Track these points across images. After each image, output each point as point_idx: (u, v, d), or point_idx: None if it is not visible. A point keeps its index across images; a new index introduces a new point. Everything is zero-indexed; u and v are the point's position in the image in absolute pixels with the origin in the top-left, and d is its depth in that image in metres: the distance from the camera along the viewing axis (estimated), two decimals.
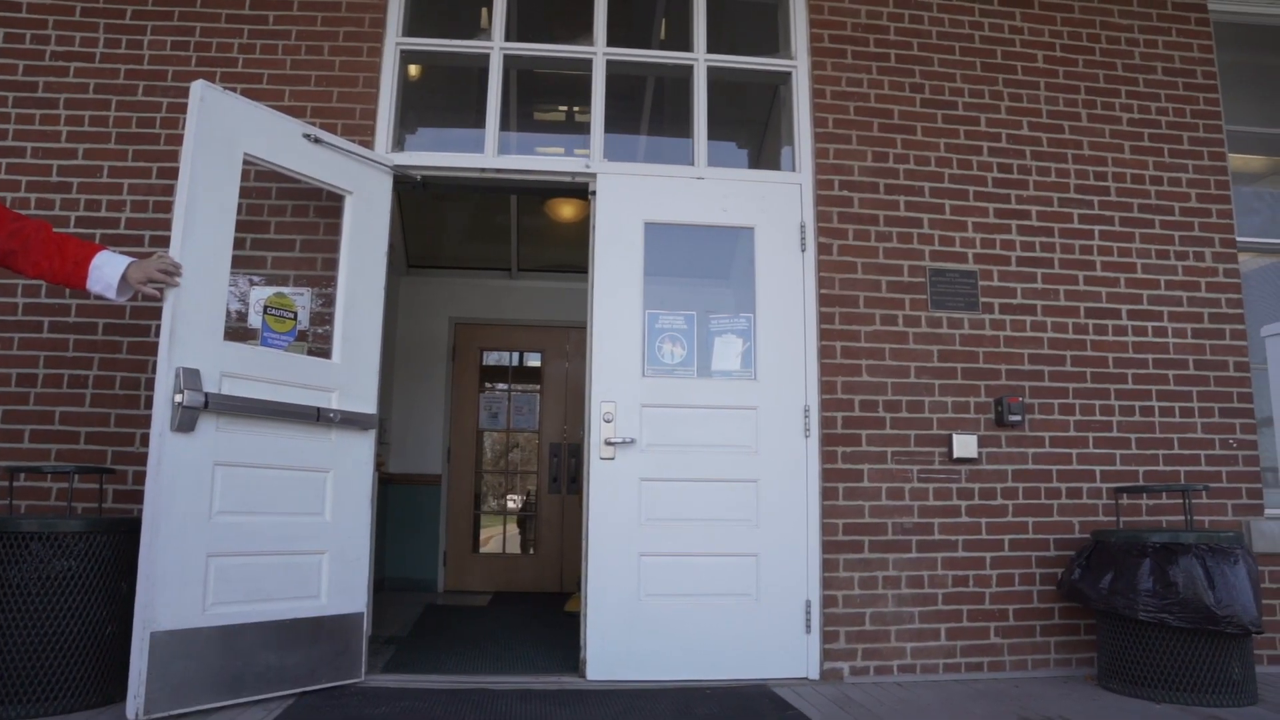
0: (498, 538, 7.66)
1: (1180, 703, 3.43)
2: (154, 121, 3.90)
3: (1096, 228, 4.30)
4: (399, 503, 7.04)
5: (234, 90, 3.49)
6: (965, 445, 3.99)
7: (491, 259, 7.48)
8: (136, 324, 3.73)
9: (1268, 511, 4.21)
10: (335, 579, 3.47)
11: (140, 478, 3.51)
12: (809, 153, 4.20)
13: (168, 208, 3.78)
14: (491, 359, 7.69)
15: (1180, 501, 4.09)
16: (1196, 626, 3.37)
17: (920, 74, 4.30)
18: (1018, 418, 4.01)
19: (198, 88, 3.15)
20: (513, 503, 8.76)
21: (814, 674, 3.79)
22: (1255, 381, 4.31)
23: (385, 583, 6.87)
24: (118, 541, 3.09)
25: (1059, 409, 4.12)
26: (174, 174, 3.75)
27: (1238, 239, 4.43)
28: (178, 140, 3.77)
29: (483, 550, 7.43)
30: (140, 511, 2.98)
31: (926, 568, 3.91)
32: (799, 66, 4.31)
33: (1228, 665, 3.43)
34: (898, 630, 3.85)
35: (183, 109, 3.75)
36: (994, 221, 4.22)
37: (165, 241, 3.68)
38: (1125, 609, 3.47)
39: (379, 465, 4.40)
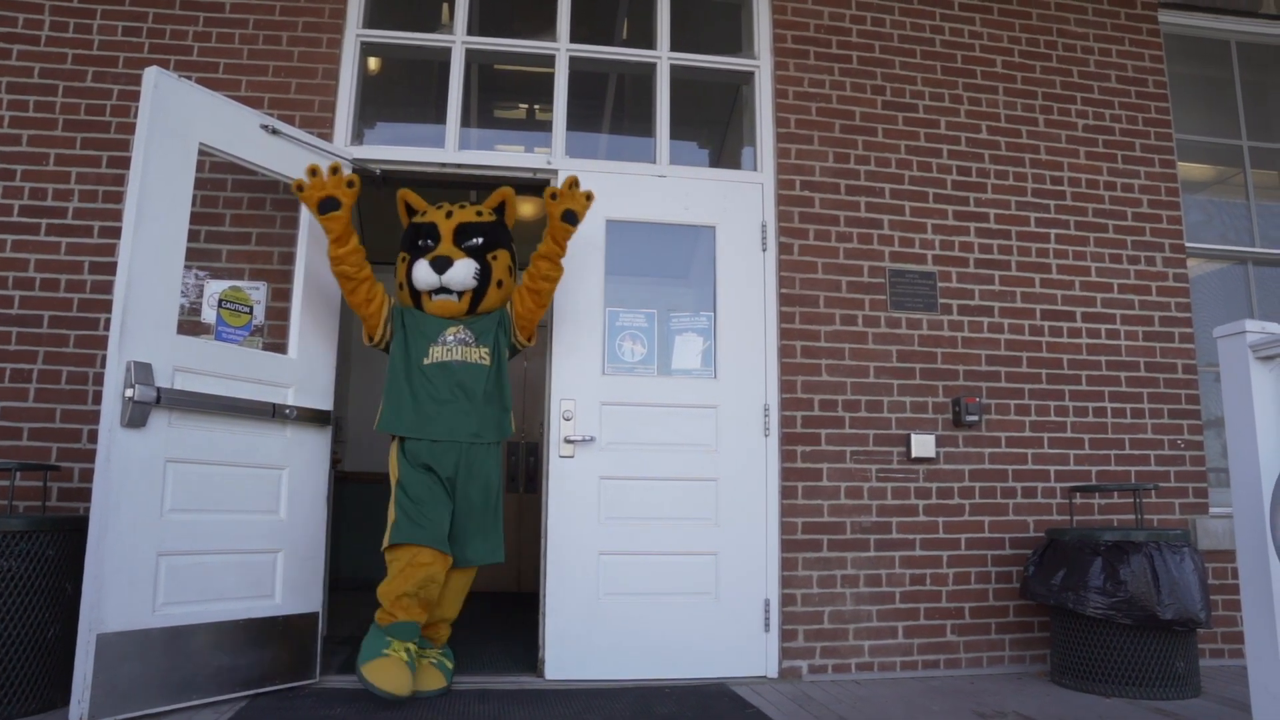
0: None
1: (1129, 696, 3.50)
2: (104, 109, 3.79)
3: (1053, 231, 4.37)
4: (355, 501, 6.94)
5: (189, 79, 3.41)
6: (923, 445, 4.03)
7: None
8: (84, 316, 3.63)
9: (1213, 510, 4.31)
10: (290, 578, 3.41)
11: (87, 475, 3.42)
12: (771, 153, 4.22)
13: (119, 198, 3.68)
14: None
15: (1131, 500, 4.18)
16: (1145, 623, 3.44)
17: (882, 76, 4.34)
18: (975, 418, 4.07)
19: (151, 74, 3.07)
20: None
21: (773, 672, 3.81)
22: (1202, 384, 4.41)
23: (341, 582, 6.77)
24: (62, 540, 3.00)
25: (1015, 409, 4.18)
26: (125, 163, 3.67)
27: (1186, 245, 4.54)
28: (129, 129, 3.69)
29: None
30: (87, 510, 2.90)
31: (884, 566, 3.94)
32: (762, 67, 4.32)
33: (1173, 659, 3.51)
34: (856, 629, 3.88)
35: (135, 96, 3.68)
36: (953, 223, 4.27)
37: (116, 232, 3.60)
38: (1076, 605, 3.53)
39: (335, 463, 4.33)
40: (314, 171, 3.26)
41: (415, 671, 3.19)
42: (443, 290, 3.48)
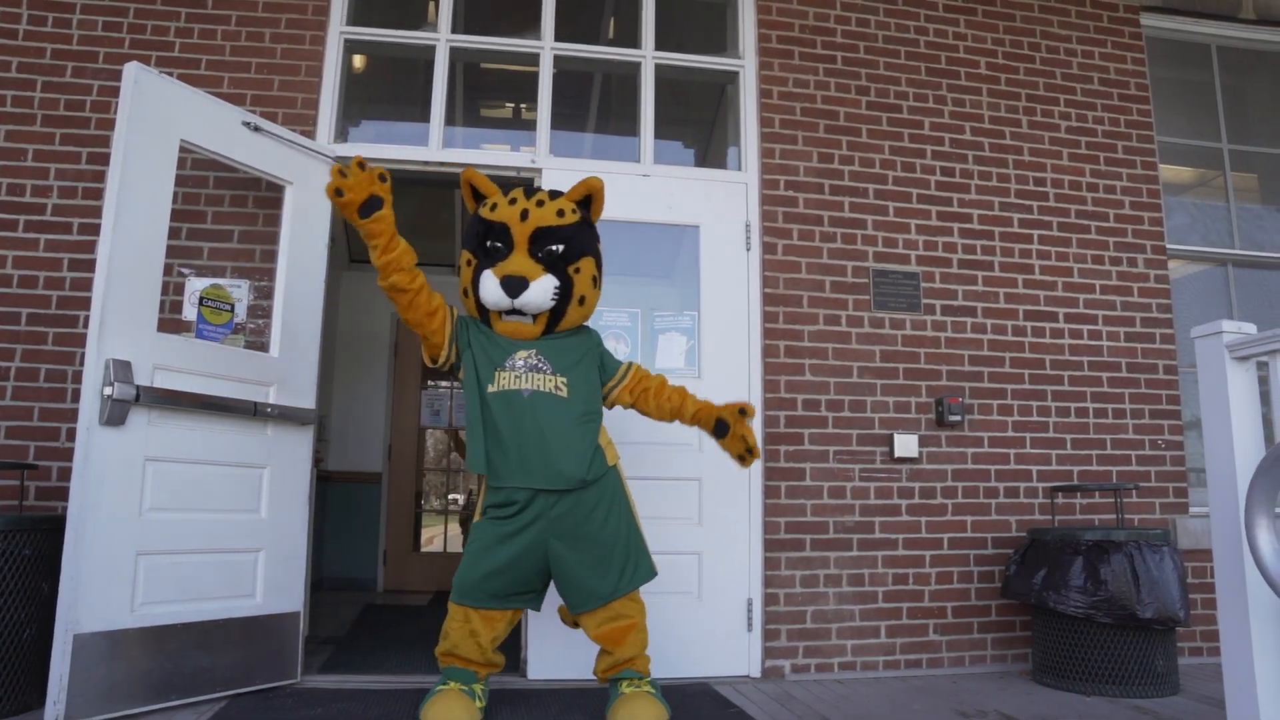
0: (439, 537, 7.57)
1: (1109, 695, 3.52)
2: (84, 105, 3.76)
3: (1036, 232, 4.39)
4: (338, 501, 6.91)
5: (170, 75, 3.39)
6: (906, 445, 4.04)
7: (435, 255, 7.38)
8: (63, 314, 3.60)
9: (1193, 510, 4.34)
10: (271, 578, 3.39)
11: (65, 474, 3.38)
12: (755, 152, 4.22)
13: (98, 194, 3.65)
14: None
15: (1112, 500, 4.20)
16: (1125, 622, 3.46)
17: (866, 77, 4.35)
18: (958, 418, 4.08)
19: (131, 70, 3.05)
20: (454, 502, 8.69)
21: (755, 672, 3.81)
22: (1183, 384, 4.45)
23: (324, 582, 6.74)
24: (39, 540, 2.97)
25: (998, 409, 4.20)
26: (105, 159, 3.62)
27: (1167, 246, 4.57)
28: (109, 125, 3.66)
29: (424, 549, 7.33)
30: (65, 509, 2.87)
31: (867, 566, 3.95)
32: (746, 66, 4.33)
33: (1153, 658, 3.54)
34: (839, 628, 3.89)
35: (115, 92, 3.62)
36: (936, 224, 4.28)
37: (96, 229, 3.57)
38: (1058, 605, 3.55)
39: (317, 462, 4.31)
40: (342, 171, 2.77)
41: (477, 700, 2.94)
42: (515, 312, 2.98)
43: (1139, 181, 4.57)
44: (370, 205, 2.81)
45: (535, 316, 3.00)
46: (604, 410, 3.16)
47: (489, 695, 3.09)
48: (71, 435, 3.43)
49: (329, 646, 4.30)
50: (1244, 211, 4.99)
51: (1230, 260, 4.84)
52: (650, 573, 3.09)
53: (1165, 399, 4.39)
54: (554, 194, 3.08)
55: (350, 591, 6.69)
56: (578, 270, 3.03)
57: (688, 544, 3.85)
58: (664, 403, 3.20)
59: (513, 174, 4.05)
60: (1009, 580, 3.80)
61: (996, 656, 4.02)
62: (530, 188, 3.13)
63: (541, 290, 2.94)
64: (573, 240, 3.03)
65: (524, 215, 2.98)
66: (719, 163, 4.58)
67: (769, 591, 3.86)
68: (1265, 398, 2.36)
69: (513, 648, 4.03)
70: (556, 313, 3.02)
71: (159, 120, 3.13)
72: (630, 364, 3.24)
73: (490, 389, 2.95)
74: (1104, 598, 3.47)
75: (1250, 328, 2.33)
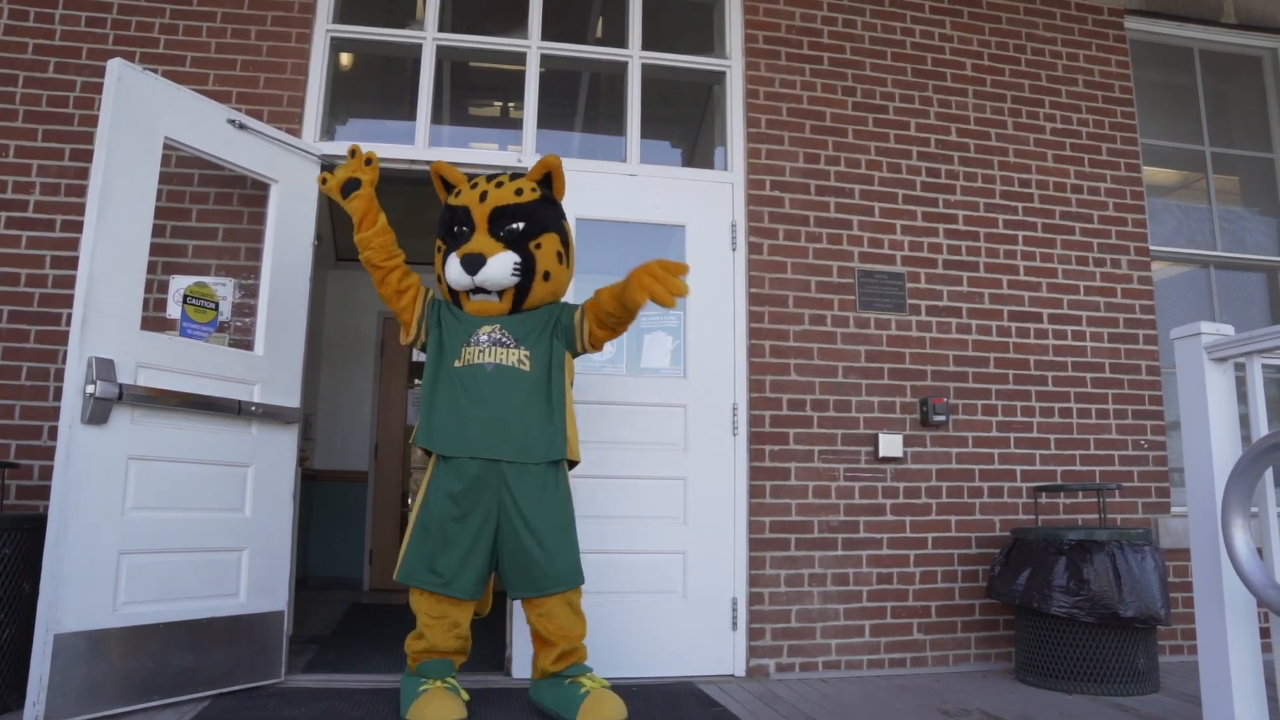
0: None
1: (1090, 693, 3.54)
2: (67, 101, 3.73)
3: (1020, 233, 4.42)
4: (324, 500, 6.89)
5: (154, 72, 3.37)
6: (891, 444, 4.06)
7: (422, 254, 7.33)
8: (46, 311, 3.58)
9: (1174, 509, 4.37)
10: (255, 577, 3.37)
11: (47, 473, 3.35)
12: (741, 153, 4.23)
13: (81, 191, 3.63)
14: (421, 355, 7.57)
15: (1095, 500, 4.23)
16: (1107, 621, 3.49)
17: (852, 77, 4.37)
18: (942, 418, 4.10)
19: (115, 66, 3.03)
20: None
21: (740, 671, 3.82)
22: (1165, 385, 4.48)
23: (309, 581, 6.72)
24: (20, 539, 2.95)
25: (982, 409, 4.22)
26: (88, 156, 3.60)
27: (1151, 248, 4.60)
28: (92, 121, 3.64)
29: None
30: (46, 508, 2.85)
31: (852, 565, 3.97)
32: (733, 67, 4.34)
33: (1134, 656, 3.57)
34: (823, 627, 3.90)
35: (98, 89, 3.60)
36: (922, 225, 4.30)
37: (79, 226, 3.55)
38: (1041, 604, 3.57)
39: (303, 461, 4.29)
40: (353, 153, 3.21)
41: (462, 693, 3.00)
42: (480, 290, 3.07)
43: (1123, 183, 4.60)
44: (349, 186, 3.17)
45: (501, 294, 3.09)
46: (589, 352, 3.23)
47: (472, 695, 3.09)
48: (53, 434, 3.41)
49: (314, 646, 4.29)
50: (1226, 213, 5.03)
51: (1212, 262, 4.88)
52: (583, 577, 3.11)
53: (1148, 399, 4.42)
54: (514, 175, 3.22)
55: (336, 591, 6.67)
56: (539, 246, 3.10)
57: (672, 543, 3.85)
58: (603, 301, 3.03)
59: (500, 173, 4.04)
60: (993, 580, 3.83)
61: (980, 655, 4.04)
62: (494, 174, 3.25)
63: (500, 266, 3.02)
64: (532, 217, 3.10)
65: (483, 197, 3.10)
66: (705, 163, 4.58)
67: (754, 591, 3.87)
68: (1244, 398, 2.38)
69: (497, 647, 4.03)
70: (522, 289, 3.10)
71: (143, 117, 3.12)
72: (585, 304, 3.15)
73: (456, 364, 3.04)
74: (1086, 597, 3.49)
75: (1228, 329, 2.35)
